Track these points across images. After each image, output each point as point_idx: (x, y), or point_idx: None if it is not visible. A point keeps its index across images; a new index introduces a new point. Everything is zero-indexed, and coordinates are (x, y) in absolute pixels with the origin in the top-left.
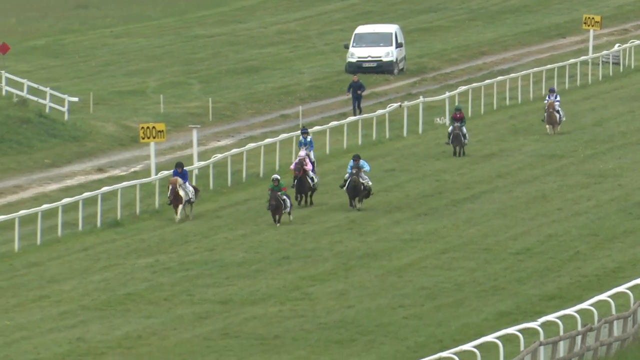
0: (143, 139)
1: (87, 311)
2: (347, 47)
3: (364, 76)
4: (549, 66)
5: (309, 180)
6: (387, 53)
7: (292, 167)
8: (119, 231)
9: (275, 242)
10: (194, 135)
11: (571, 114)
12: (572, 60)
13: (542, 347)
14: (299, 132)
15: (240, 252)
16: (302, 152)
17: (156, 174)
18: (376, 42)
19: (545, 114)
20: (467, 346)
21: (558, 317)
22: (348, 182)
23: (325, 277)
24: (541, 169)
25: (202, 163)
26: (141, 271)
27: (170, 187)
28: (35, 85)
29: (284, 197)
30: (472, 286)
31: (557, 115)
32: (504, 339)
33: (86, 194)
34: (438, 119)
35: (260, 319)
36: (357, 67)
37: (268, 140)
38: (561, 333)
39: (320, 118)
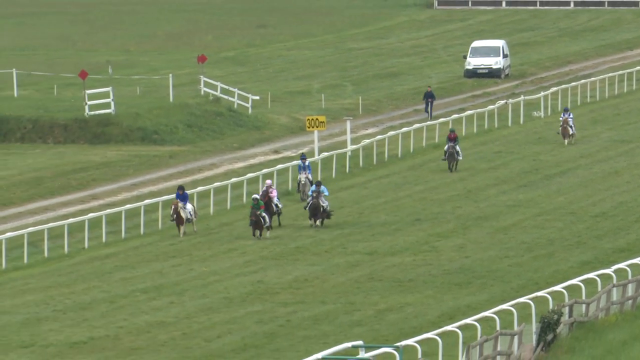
0: (308, 128)
1: (266, 260)
2: (465, 57)
3: (477, 80)
4: (620, 72)
5: (274, 206)
6: (496, 62)
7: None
8: (289, 198)
9: (410, 207)
10: (348, 125)
11: (638, 109)
12: (638, 67)
13: (614, 288)
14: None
15: (383, 215)
16: (303, 175)
17: (319, 155)
18: (488, 53)
19: (561, 128)
20: (558, 287)
21: (627, 265)
22: (310, 204)
23: (448, 234)
24: (614, 151)
25: (354, 146)
26: (307, 229)
27: (173, 208)
28: (226, 87)
29: (264, 214)
30: (560, 241)
31: (570, 129)
32: (585, 282)
33: (265, 170)
34: (535, 113)
35: (398, 266)
36: (473, 73)
37: (404, 129)
38: (629, 277)
39: (444, 112)
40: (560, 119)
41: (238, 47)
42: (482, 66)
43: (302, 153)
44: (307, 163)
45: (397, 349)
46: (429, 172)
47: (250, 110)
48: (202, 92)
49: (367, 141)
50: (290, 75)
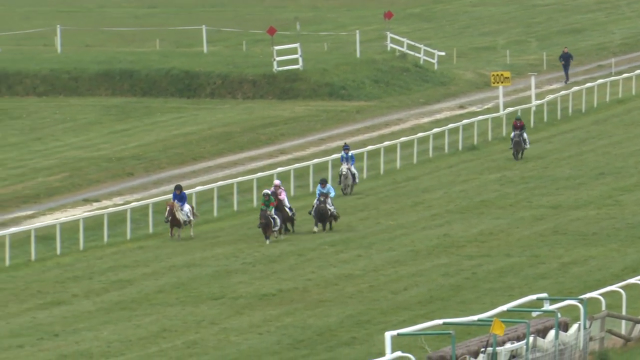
0: (493, 83)
1: (451, 214)
2: None
3: None
4: None
5: (287, 210)
6: None
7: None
8: (475, 153)
9: (594, 162)
10: (532, 81)
11: None
12: None
13: None
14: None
15: (567, 169)
16: (345, 167)
17: (503, 110)
18: None
19: None
20: None
21: None
22: (315, 208)
23: (631, 188)
24: None
25: (538, 102)
26: (492, 184)
27: (168, 209)
28: (413, 43)
29: (274, 215)
30: None
31: None
32: None
33: (451, 125)
34: None
35: (582, 220)
36: None
37: (588, 85)
38: None
39: (627, 67)
40: None
41: (424, 4)
42: None
43: (345, 143)
44: (350, 154)
45: (581, 301)
46: (612, 127)
47: (436, 66)
48: (389, 48)
49: (552, 96)
50: (476, 31)
